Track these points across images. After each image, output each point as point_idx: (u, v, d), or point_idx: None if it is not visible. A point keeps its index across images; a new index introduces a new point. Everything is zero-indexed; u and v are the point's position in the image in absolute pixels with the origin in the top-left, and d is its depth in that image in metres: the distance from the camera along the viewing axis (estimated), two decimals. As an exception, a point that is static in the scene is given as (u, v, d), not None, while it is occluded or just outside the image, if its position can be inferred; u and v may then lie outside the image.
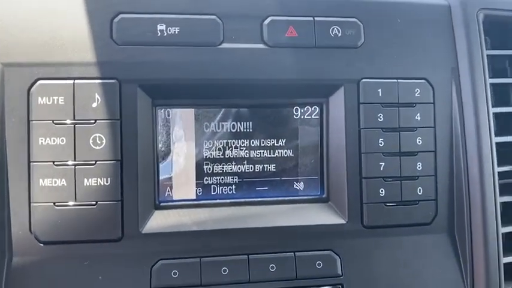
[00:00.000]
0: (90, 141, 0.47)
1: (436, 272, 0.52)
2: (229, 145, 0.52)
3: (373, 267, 0.51)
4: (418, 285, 0.51)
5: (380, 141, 0.51)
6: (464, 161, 0.53)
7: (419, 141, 0.52)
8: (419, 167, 0.52)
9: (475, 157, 0.52)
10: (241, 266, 0.48)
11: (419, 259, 0.52)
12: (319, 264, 0.50)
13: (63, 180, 0.46)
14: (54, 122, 0.46)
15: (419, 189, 0.52)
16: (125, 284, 0.47)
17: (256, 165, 0.53)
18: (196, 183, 0.52)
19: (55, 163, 0.46)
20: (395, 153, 0.51)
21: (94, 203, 0.47)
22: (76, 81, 0.47)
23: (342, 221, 0.51)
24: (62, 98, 0.46)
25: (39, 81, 0.46)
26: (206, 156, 0.52)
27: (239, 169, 0.52)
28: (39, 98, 0.46)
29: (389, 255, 0.51)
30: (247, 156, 0.52)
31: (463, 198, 0.52)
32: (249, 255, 0.49)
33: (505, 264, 0.52)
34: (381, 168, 0.51)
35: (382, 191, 0.51)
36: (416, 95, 0.52)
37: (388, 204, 0.51)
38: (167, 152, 0.51)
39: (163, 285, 0.47)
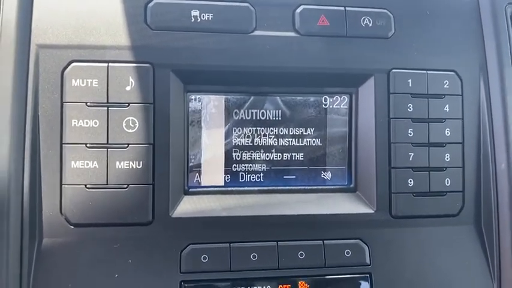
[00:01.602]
0: (123, 124, 0.47)
1: (462, 264, 0.52)
2: (258, 133, 0.52)
3: (400, 257, 0.51)
4: (445, 276, 0.51)
5: (409, 132, 0.51)
6: (492, 153, 0.53)
7: (447, 133, 0.52)
8: (447, 158, 0.52)
9: (502, 149, 0.52)
10: (270, 253, 0.48)
11: (446, 250, 0.52)
12: (347, 253, 0.50)
13: (95, 162, 0.46)
14: (88, 104, 0.46)
15: (447, 180, 0.52)
16: (155, 267, 0.47)
17: (284, 154, 0.53)
18: (224, 170, 0.52)
19: (87, 145, 0.46)
20: (424, 143, 0.52)
21: (125, 186, 0.47)
22: (110, 64, 0.47)
23: (370, 211, 0.51)
24: (96, 80, 0.47)
25: (73, 64, 0.47)
26: (235, 143, 0.52)
27: (267, 157, 0.52)
28: (73, 80, 0.46)
29: (416, 245, 0.51)
30: (276, 144, 0.53)
31: (490, 190, 0.53)
32: (278, 242, 0.49)
33: (532, 257, 0.52)
34: (410, 159, 0.51)
35: (410, 181, 0.51)
36: (445, 86, 0.52)
37: (416, 194, 0.51)
38: (197, 138, 0.51)
39: (193, 270, 0.47)
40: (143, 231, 0.47)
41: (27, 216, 0.45)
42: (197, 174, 0.51)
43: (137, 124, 0.47)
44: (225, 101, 0.52)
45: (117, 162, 0.47)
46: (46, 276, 0.45)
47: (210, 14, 0.49)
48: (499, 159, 0.53)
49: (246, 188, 0.52)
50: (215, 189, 0.51)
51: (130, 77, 0.47)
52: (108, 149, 0.46)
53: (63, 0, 0.47)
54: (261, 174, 0.52)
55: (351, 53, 0.51)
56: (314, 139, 0.53)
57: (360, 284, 0.49)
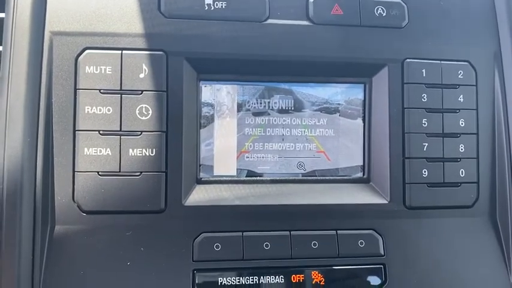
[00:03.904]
0: (137, 111, 0.47)
1: (477, 255, 0.51)
2: (271, 122, 0.52)
3: (414, 248, 0.50)
4: (459, 267, 0.51)
5: (424, 122, 0.51)
6: (507, 144, 0.52)
7: (462, 123, 0.52)
8: (461, 149, 0.52)
9: (517, 141, 0.52)
10: (283, 242, 0.48)
11: (461, 242, 0.51)
12: (361, 243, 0.49)
13: (108, 149, 0.46)
14: (101, 91, 0.46)
15: (462, 171, 0.51)
16: (167, 255, 0.46)
17: (297, 144, 0.52)
18: (237, 159, 0.51)
19: (100, 132, 0.46)
20: (438, 134, 0.51)
21: (138, 173, 0.46)
22: (124, 51, 0.47)
23: (384, 201, 0.50)
24: (110, 67, 0.47)
25: (87, 51, 0.47)
26: (247, 132, 0.52)
27: (280, 147, 0.52)
28: (87, 67, 0.46)
29: (430, 236, 0.51)
30: (289, 134, 0.52)
31: (506, 181, 0.52)
32: (291, 232, 0.48)
33: (547, 249, 0.51)
34: (424, 149, 0.51)
35: (425, 171, 0.50)
36: (459, 76, 0.52)
37: (430, 185, 0.51)
38: (210, 127, 0.51)
39: (206, 258, 0.47)
40: (156, 219, 0.47)
41: (40, 203, 0.45)
42: (209, 163, 0.51)
43: (150, 112, 0.47)
44: (237, 90, 0.51)
45: (130, 150, 0.46)
46: (58, 262, 0.45)
47: (224, 2, 0.49)
48: (514, 150, 0.52)
49: (258, 178, 0.51)
50: (227, 178, 0.51)
51: (143, 65, 0.47)
52: (121, 136, 0.46)
53: (78, -12, 0.47)
54: (274, 164, 0.52)
55: (365, 43, 0.51)
56: (327, 129, 0.53)
57: (374, 274, 0.49)
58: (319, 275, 0.48)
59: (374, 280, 0.49)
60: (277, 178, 0.52)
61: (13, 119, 0.45)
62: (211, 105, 0.51)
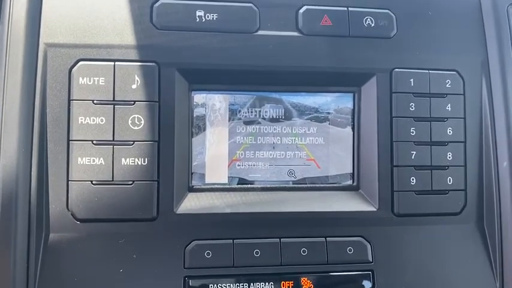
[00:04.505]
0: (129, 121, 0.48)
1: (465, 262, 0.52)
2: (262, 131, 0.53)
3: (402, 255, 0.51)
4: (447, 274, 0.52)
5: (412, 130, 0.52)
6: (494, 152, 0.53)
7: (449, 132, 0.53)
8: (449, 157, 0.52)
9: (504, 148, 0.53)
10: (273, 249, 0.49)
11: (449, 249, 0.52)
12: (350, 250, 0.50)
13: (101, 159, 0.47)
14: (94, 102, 0.47)
15: (449, 179, 0.52)
16: (159, 263, 0.47)
17: (287, 152, 0.53)
18: (228, 167, 0.52)
19: (94, 142, 0.47)
20: (426, 142, 0.52)
21: (131, 182, 0.47)
22: (116, 63, 0.48)
23: (373, 209, 0.51)
24: (103, 79, 0.48)
25: (81, 62, 0.48)
26: (239, 141, 0.53)
27: (271, 155, 0.53)
28: (80, 78, 0.47)
29: (418, 243, 0.52)
30: (279, 142, 0.53)
31: (493, 189, 0.53)
32: (281, 239, 0.49)
33: (534, 256, 0.52)
34: (412, 157, 0.51)
35: (413, 179, 0.51)
36: (447, 86, 0.53)
37: (418, 192, 0.51)
38: (201, 136, 0.52)
39: (197, 265, 0.48)
40: (148, 227, 0.48)
41: (35, 212, 0.46)
42: (201, 171, 0.52)
43: (142, 122, 0.48)
44: (229, 100, 0.52)
45: (123, 159, 0.47)
46: (52, 270, 0.46)
47: (215, 14, 0.50)
48: (501, 158, 0.53)
49: (249, 186, 0.52)
50: (219, 186, 0.52)
51: (136, 76, 0.48)
52: (114, 146, 0.47)
53: (72, 1, 0.48)
54: (264, 172, 0.53)
55: (354, 53, 0.52)
56: (317, 137, 0.54)
57: (362, 280, 0.50)
58: (308, 281, 0.49)
59: (362, 286, 0.50)
60: (268, 186, 0.53)
61: (8, 129, 0.46)
62: (203, 115, 0.52)
